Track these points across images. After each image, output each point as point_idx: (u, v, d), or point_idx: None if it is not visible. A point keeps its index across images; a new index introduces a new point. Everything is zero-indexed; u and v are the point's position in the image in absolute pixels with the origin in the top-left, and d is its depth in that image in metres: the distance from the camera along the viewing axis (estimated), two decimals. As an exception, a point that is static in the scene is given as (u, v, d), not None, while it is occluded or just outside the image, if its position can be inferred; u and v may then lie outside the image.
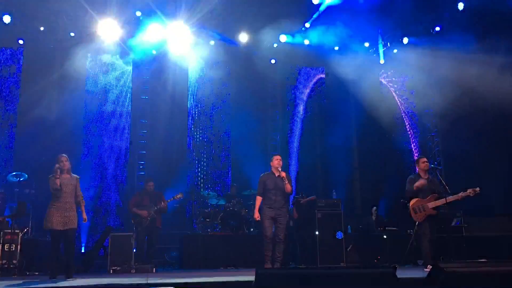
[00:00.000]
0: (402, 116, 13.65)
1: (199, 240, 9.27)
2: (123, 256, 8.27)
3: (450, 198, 7.04)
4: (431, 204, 7.09)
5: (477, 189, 7.02)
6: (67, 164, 6.80)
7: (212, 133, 12.46)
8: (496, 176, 10.56)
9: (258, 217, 7.47)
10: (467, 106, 11.51)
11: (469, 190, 7.05)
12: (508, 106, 10.56)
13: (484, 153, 11.63)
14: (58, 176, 6.65)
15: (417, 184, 7.21)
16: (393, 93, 13.71)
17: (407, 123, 13.55)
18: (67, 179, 6.76)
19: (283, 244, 7.45)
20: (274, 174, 7.52)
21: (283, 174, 7.47)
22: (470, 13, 11.00)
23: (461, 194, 7.07)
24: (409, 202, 7.30)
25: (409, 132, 13.56)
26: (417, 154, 13.03)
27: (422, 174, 7.34)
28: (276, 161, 7.52)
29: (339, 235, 8.52)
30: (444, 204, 7.04)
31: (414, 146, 13.44)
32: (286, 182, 7.43)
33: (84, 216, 6.92)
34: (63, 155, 6.88)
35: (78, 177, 6.97)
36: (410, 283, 4.95)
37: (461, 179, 10.23)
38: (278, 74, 13.22)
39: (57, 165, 6.71)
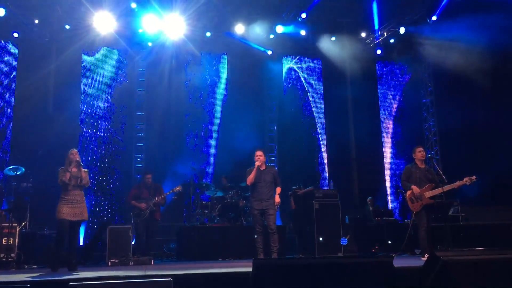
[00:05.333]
0: (397, 106, 13.67)
1: (196, 232, 9.25)
2: (122, 249, 8.24)
3: (447, 187, 7.03)
4: (428, 194, 7.10)
5: (473, 177, 7.03)
6: (77, 157, 6.94)
7: (209, 124, 12.44)
8: (493, 165, 10.59)
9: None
10: (465, 96, 11.53)
11: (465, 179, 7.06)
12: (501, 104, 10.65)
13: (481, 142, 11.66)
14: (70, 170, 6.79)
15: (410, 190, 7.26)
16: (389, 83, 13.73)
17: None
18: (75, 173, 6.86)
19: (276, 234, 7.50)
20: (259, 168, 7.57)
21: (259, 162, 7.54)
22: (468, 2, 10.96)
23: (458, 182, 7.08)
24: (405, 192, 7.34)
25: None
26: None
27: (418, 163, 7.33)
28: (256, 157, 7.59)
29: (343, 241, 8.58)
30: (441, 193, 7.05)
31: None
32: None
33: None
34: (74, 149, 7.03)
35: (86, 170, 7.06)
36: (407, 272, 4.96)
37: (458, 168, 10.25)
38: (274, 65, 13.18)
39: (71, 157, 6.84)
